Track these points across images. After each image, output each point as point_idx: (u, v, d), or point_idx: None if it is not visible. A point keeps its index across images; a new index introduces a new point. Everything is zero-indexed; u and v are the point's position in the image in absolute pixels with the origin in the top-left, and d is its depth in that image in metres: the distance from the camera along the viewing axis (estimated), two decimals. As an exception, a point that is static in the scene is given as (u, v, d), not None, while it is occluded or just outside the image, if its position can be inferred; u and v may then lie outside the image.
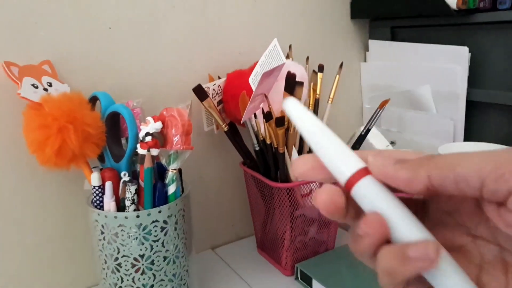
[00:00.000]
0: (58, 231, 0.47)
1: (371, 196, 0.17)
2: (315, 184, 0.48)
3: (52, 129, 0.37)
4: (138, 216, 0.38)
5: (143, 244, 0.39)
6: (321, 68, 0.53)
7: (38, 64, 0.42)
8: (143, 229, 0.39)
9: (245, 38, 0.56)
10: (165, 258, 0.40)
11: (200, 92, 0.47)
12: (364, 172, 0.17)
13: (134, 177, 0.41)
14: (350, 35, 0.67)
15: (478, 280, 0.18)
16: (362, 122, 0.70)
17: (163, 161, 0.41)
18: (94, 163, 0.42)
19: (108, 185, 0.39)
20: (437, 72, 0.57)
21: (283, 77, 0.45)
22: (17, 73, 0.39)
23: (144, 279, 0.40)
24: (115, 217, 0.38)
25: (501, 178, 0.15)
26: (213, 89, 0.49)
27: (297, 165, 0.19)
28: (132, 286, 0.40)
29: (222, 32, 0.54)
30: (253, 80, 0.45)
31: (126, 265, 0.39)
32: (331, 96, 0.54)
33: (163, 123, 0.40)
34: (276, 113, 0.44)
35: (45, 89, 0.40)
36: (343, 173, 0.18)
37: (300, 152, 0.50)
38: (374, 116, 0.49)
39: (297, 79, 0.44)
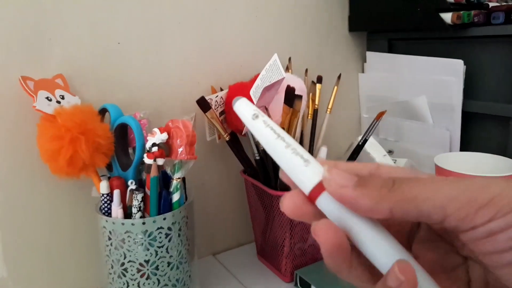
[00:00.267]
0: (67, 236, 0.48)
1: (334, 211, 0.17)
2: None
3: (64, 140, 0.38)
4: (144, 223, 0.39)
5: (148, 250, 0.40)
6: (319, 79, 0.55)
7: (52, 78, 0.43)
8: (149, 236, 0.40)
9: (246, 52, 0.58)
10: (169, 263, 0.41)
11: (203, 104, 0.48)
12: (322, 187, 0.16)
13: (141, 185, 0.43)
14: (349, 47, 0.69)
15: None
16: (360, 132, 0.72)
17: (168, 170, 0.43)
18: (102, 171, 0.44)
19: (116, 193, 0.41)
20: (433, 84, 0.58)
21: (283, 90, 0.47)
22: (33, 87, 0.40)
23: (149, 283, 0.41)
24: (122, 223, 0.40)
25: (465, 218, 0.15)
26: (216, 101, 0.51)
27: (285, 206, 0.18)
28: (138, 290, 0.41)
29: (224, 46, 0.56)
30: (254, 93, 0.47)
31: (132, 270, 0.40)
32: (330, 106, 0.56)
33: (168, 134, 0.41)
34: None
35: (58, 102, 0.41)
36: (305, 187, 0.17)
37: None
38: (371, 127, 0.51)
39: (296, 93, 0.46)
